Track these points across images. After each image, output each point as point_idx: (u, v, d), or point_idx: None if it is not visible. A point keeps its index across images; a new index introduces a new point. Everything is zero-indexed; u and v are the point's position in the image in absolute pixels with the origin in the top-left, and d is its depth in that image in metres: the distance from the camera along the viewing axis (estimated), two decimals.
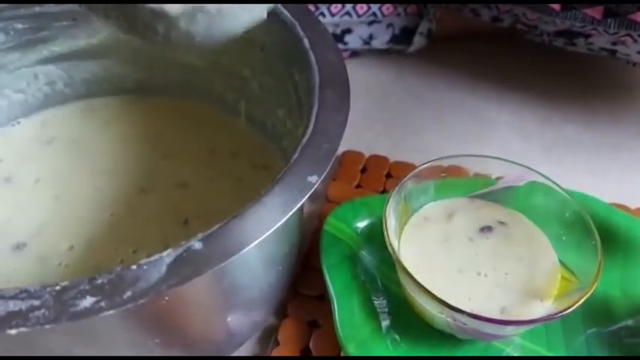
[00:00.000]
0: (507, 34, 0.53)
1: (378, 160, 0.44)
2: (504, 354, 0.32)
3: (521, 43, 0.53)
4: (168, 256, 0.23)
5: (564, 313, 0.28)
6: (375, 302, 0.34)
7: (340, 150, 0.28)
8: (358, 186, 0.43)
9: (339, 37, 0.51)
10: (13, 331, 0.20)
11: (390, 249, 0.30)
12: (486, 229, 0.34)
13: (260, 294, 0.32)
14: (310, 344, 0.33)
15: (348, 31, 0.51)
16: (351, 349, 0.31)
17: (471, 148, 0.40)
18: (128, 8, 0.23)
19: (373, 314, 0.33)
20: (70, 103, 0.44)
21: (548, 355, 0.32)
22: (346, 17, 0.50)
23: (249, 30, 0.36)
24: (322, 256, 0.35)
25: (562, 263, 0.32)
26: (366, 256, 0.36)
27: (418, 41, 0.52)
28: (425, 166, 0.34)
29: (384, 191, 0.42)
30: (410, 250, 0.33)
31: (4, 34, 0.38)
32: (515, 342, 0.32)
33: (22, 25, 0.38)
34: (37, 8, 0.38)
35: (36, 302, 0.21)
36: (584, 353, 0.32)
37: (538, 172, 0.34)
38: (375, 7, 0.50)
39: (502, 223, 0.34)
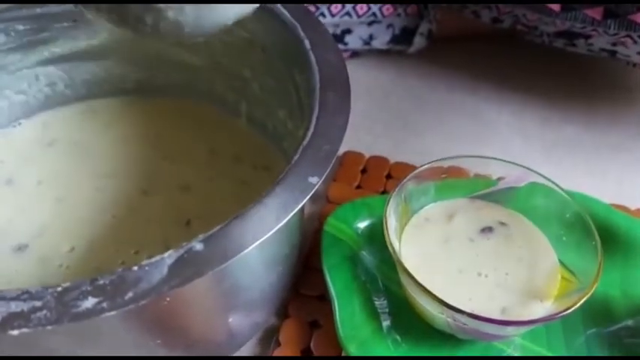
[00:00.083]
0: (507, 35, 0.53)
1: (379, 160, 0.44)
2: (505, 354, 0.32)
3: (521, 44, 0.53)
4: (169, 257, 0.23)
5: (564, 313, 0.28)
6: (376, 302, 0.34)
7: (340, 151, 0.28)
8: (359, 187, 0.43)
9: (339, 38, 0.51)
10: (15, 332, 0.20)
11: (390, 249, 0.30)
12: (487, 230, 0.34)
13: (261, 294, 0.32)
14: (311, 344, 0.33)
15: (348, 31, 0.51)
16: (352, 350, 0.31)
17: (471, 149, 0.40)
18: (119, 4, 0.23)
19: (374, 314, 0.33)
20: (70, 105, 0.44)
21: (548, 356, 0.32)
22: (346, 18, 0.50)
23: (250, 30, 0.37)
24: (323, 257, 0.35)
25: (562, 264, 0.32)
26: (366, 256, 0.36)
27: (418, 42, 0.52)
28: (425, 166, 0.34)
29: (384, 192, 0.42)
30: (410, 250, 0.33)
31: (5, 35, 0.38)
32: (515, 342, 0.32)
33: (23, 26, 0.38)
34: (38, 9, 0.38)
35: (38, 303, 0.21)
36: (584, 353, 0.32)
37: (538, 173, 0.34)
38: (375, 7, 0.50)
39: (502, 223, 0.34)
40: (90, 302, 0.21)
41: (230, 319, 0.30)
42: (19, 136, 0.42)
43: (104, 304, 0.21)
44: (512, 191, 0.34)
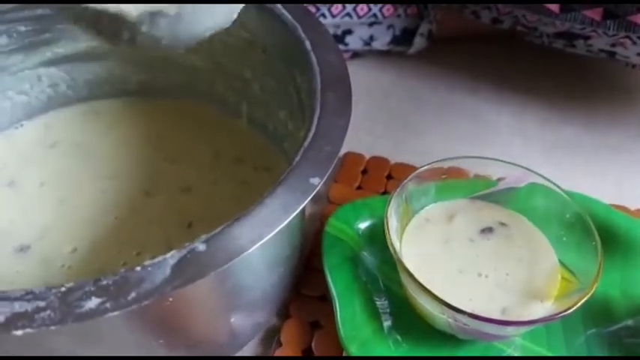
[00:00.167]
0: (507, 35, 0.53)
1: (379, 161, 0.44)
2: (505, 354, 0.32)
3: (521, 45, 0.53)
4: (172, 257, 0.23)
5: (565, 313, 0.28)
6: (377, 303, 0.34)
7: (341, 151, 0.28)
8: (359, 187, 0.43)
9: (340, 38, 0.51)
10: (19, 332, 0.21)
11: (391, 250, 0.31)
12: (487, 230, 0.34)
13: (262, 295, 0.32)
14: (312, 345, 0.33)
15: (349, 32, 0.51)
16: (353, 350, 0.31)
17: (471, 150, 0.40)
18: (94, 15, 0.24)
19: (375, 315, 0.33)
20: (72, 106, 0.44)
21: (548, 356, 0.32)
22: (347, 18, 0.50)
23: (250, 31, 0.37)
24: (324, 257, 0.35)
25: (562, 264, 0.32)
26: (367, 256, 0.36)
27: (419, 42, 0.52)
28: (426, 167, 0.34)
29: (384, 192, 0.42)
30: (411, 251, 0.33)
31: (7, 37, 0.38)
32: (515, 342, 0.32)
33: (25, 27, 0.38)
34: (40, 10, 0.38)
35: (41, 303, 0.21)
36: (584, 353, 0.32)
37: (538, 174, 0.34)
38: (375, 8, 0.50)
39: (503, 224, 0.34)
40: (93, 302, 0.21)
41: (232, 320, 0.30)
42: (21, 138, 0.42)
43: (107, 305, 0.21)
44: (512, 192, 0.35)
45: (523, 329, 0.31)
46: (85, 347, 0.26)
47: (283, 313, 0.35)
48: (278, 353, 0.33)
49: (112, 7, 0.23)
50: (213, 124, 0.43)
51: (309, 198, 0.25)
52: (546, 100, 0.51)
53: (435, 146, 0.47)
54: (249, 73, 0.40)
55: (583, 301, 0.28)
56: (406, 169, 0.43)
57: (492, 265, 0.32)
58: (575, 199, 0.33)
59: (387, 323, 0.33)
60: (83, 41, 0.41)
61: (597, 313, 0.33)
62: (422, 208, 0.35)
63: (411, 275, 0.29)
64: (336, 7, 0.50)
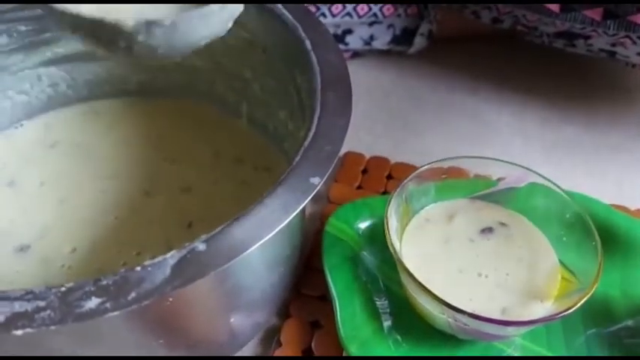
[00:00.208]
0: (507, 35, 0.53)
1: (379, 161, 0.44)
2: (505, 354, 0.32)
3: (521, 45, 0.53)
4: (172, 257, 0.23)
5: (565, 313, 0.28)
6: (377, 303, 0.34)
7: (341, 151, 0.28)
8: (359, 187, 0.43)
9: (340, 38, 0.51)
10: (19, 332, 0.21)
11: (391, 249, 0.31)
12: (487, 230, 0.34)
13: (262, 295, 0.32)
14: (312, 345, 0.33)
15: (349, 31, 0.51)
16: (353, 350, 0.31)
17: (471, 150, 0.40)
18: (91, 25, 0.24)
19: (375, 315, 0.33)
20: (72, 106, 0.44)
21: (548, 356, 0.32)
22: (347, 18, 0.50)
23: (251, 31, 0.37)
24: (324, 257, 0.35)
25: (562, 264, 0.32)
26: (367, 256, 0.36)
27: (419, 42, 0.52)
28: (426, 167, 0.34)
29: (385, 192, 0.42)
30: (411, 250, 0.33)
31: (8, 36, 0.38)
32: (515, 342, 0.32)
33: (25, 27, 0.38)
34: (40, 10, 0.38)
35: (41, 303, 0.21)
36: (584, 353, 0.32)
37: (538, 174, 0.34)
38: (375, 7, 0.50)
39: (503, 224, 0.34)
40: (93, 302, 0.21)
41: (232, 319, 0.30)
42: (21, 138, 0.42)
43: (107, 305, 0.21)
44: (513, 192, 0.35)
45: (523, 329, 0.31)
46: (85, 347, 0.26)
47: (283, 312, 0.35)
48: (278, 353, 0.33)
49: (108, 18, 0.23)
50: (213, 124, 0.43)
51: (309, 198, 0.25)
52: (546, 100, 0.51)
53: (435, 146, 0.47)
54: (249, 73, 0.40)
55: (583, 301, 0.28)
56: (406, 169, 0.43)
57: (492, 265, 0.32)
58: (575, 199, 0.33)
59: (387, 323, 0.33)
60: None
61: (597, 313, 0.33)
62: (422, 208, 0.35)
63: (411, 275, 0.29)
64: (337, 7, 0.50)
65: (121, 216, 0.37)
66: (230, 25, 0.26)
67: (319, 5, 0.49)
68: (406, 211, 0.34)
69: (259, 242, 0.24)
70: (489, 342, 0.32)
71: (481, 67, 0.54)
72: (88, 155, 0.41)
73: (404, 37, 0.52)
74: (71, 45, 0.41)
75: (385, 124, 0.48)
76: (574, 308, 0.28)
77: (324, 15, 0.50)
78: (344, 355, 0.32)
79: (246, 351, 0.34)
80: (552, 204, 0.33)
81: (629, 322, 0.33)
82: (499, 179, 0.35)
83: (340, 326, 0.32)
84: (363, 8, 0.50)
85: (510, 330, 0.30)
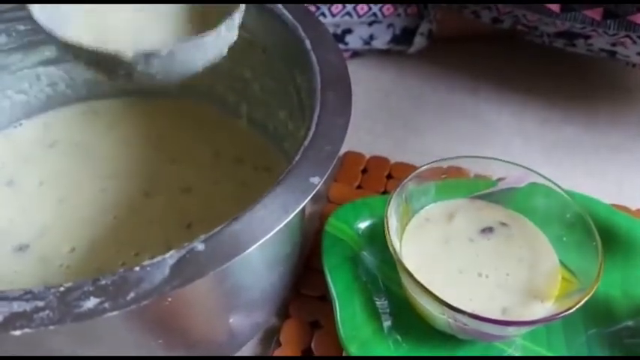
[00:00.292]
0: (507, 35, 0.53)
1: (379, 161, 0.44)
2: (505, 354, 0.32)
3: (521, 45, 0.53)
4: (171, 257, 0.23)
5: (565, 313, 0.28)
6: (377, 303, 0.34)
7: (341, 151, 0.28)
8: (359, 187, 0.43)
9: (340, 38, 0.51)
10: (18, 332, 0.21)
11: (391, 249, 0.30)
12: (487, 230, 0.34)
13: (262, 295, 0.32)
14: (312, 345, 0.33)
15: (349, 31, 0.51)
16: (353, 350, 0.31)
17: (471, 150, 0.40)
18: (92, 54, 0.26)
19: (375, 315, 0.33)
20: (71, 105, 0.44)
21: (549, 356, 0.32)
22: (347, 17, 0.50)
23: (250, 31, 0.37)
24: (324, 257, 0.35)
25: (563, 264, 0.32)
26: (367, 256, 0.36)
27: (419, 42, 0.52)
28: (426, 167, 0.34)
29: (384, 192, 0.42)
30: (411, 250, 0.33)
31: (6, 36, 0.38)
32: (516, 342, 0.32)
33: (24, 26, 0.38)
34: None
35: (40, 303, 0.21)
36: (584, 353, 0.32)
37: (538, 174, 0.34)
38: (375, 7, 0.50)
39: (503, 224, 0.34)
40: (92, 302, 0.21)
41: (231, 320, 0.30)
42: (20, 137, 0.42)
43: (106, 305, 0.21)
44: (513, 192, 0.35)
45: (523, 329, 0.31)
46: (84, 347, 0.26)
47: (283, 312, 0.35)
48: (277, 353, 0.33)
49: (108, 49, 0.25)
50: (213, 124, 0.43)
51: (309, 197, 0.25)
52: (546, 100, 0.51)
53: (435, 146, 0.46)
54: (249, 73, 0.40)
55: (584, 301, 0.28)
56: (406, 169, 0.43)
57: (493, 265, 0.32)
58: (576, 199, 0.33)
59: (387, 323, 0.33)
60: None
61: (598, 313, 0.33)
62: (422, 208, 0.35)
63: (411, 275, 0.29)
64: (336, 7, 0.50)
65: (120, 216, 0.37)
66: (226, 51, 0.28)
67: (319, 5, 0.49)
68: (406, 211, 0.34)
69: (258, 242, 0.23)
70: (489, 342, 0.32)
71: (481, 67, 0.53)
72: (87, 155, 0.41)
73: (404, 37, 0.52)
74: None
75: (385, 124, 0.48)
76: (574, 308, 0.28)
77: (323, 15, 0.50)
78: (344, 355, 0.32)
79: (246, 351, 0.34)
80: (553, 204, 0.33)
81: (630, 323, 0.33)
82: (499, 179, 0.35)
83: (340, 326, 0.32)
84: (362, 8, 0.50)
85: (511, 330, 0.30)
